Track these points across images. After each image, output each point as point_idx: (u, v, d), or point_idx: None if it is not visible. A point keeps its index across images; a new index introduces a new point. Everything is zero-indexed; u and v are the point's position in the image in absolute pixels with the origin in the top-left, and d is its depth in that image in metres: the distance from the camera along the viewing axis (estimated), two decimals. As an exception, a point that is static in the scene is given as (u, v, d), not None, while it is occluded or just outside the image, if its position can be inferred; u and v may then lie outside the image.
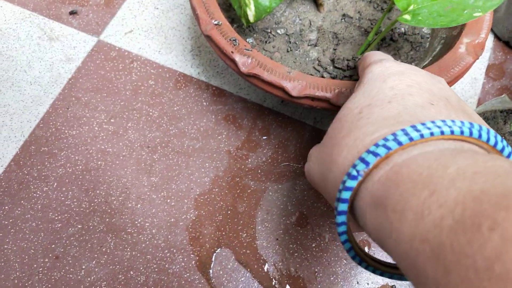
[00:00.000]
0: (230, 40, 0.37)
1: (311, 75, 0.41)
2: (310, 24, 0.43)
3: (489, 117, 0.41)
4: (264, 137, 0.46)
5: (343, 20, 0.44)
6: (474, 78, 0.50)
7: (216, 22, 0.37)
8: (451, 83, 0.38)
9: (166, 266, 0.40)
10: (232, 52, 0.36)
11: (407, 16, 0.35)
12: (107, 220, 0.41)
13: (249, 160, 0.44)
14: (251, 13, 0.36)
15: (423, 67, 0.41)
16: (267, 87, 0.36)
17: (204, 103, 0.47)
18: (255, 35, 0.43)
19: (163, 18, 0.52)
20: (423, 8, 0.35)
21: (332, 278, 0.40)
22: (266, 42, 0.42)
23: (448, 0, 0.34)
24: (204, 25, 0.38)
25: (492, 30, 0.52)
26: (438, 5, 0.34)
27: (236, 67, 0.36)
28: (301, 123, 0.46)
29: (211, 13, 0.38)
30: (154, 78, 0.48)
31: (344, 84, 0.36)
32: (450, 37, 0.41)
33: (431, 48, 0.42)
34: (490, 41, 0.52)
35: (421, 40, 0.44)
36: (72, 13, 0.51)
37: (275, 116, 0.46)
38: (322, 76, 0.41)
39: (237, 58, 0.36)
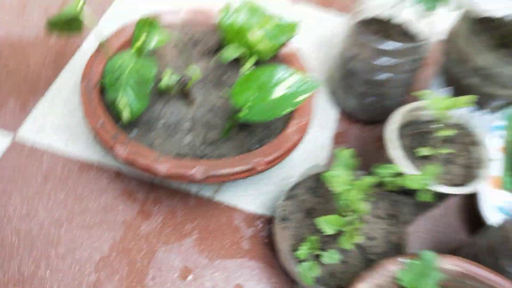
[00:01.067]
0: (111, 136, 0.48)
1: (185, 155, 0.52)
2: (185, 116, 0.55)
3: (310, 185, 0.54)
4: (155, 207, 0.56)
5: (211, 111, 0.56)
6: (323, 145, 0.63)
7: (100, 124, 0.48)
8: (285, 155, 0.50)
9: (71, 323, 0.48)
10: (111, 147, 0.47)
11: (243, 111, 0.48)
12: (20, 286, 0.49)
13: (142, 227, 0.54)
14: (126, 115, 0.48)
15: (270, 141, 0.54)
16: (142, 170, 0.47)
17: (104, 182, 0.57)
18: (140, 125, 0.54)
19: (70, 116, 0.62)
20: (256, 105, 0.48)
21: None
22: (148, 131, 0.54)
23: (270, 101, 0.48)
24: (91, 126, 0.49)
25: (338, 104, 0.67)
26: (264, 104, 0.48)
27: (116, 156, 0.47)
28: (186, 193, 0.57)
29: (97, 115, 0.49)
30: (61, 166, 0.58)
31: (198, 163, 0.47)
32: (287, 118, 0.54)
33: (277, 126, 0.55)
34: (337, 113, 0.67)
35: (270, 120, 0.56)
36: (-9, 115, 0.61)
37: (165, 190, 0.57)
38: (195, 155, 0.52)
39: (116, 149, 0.47)
